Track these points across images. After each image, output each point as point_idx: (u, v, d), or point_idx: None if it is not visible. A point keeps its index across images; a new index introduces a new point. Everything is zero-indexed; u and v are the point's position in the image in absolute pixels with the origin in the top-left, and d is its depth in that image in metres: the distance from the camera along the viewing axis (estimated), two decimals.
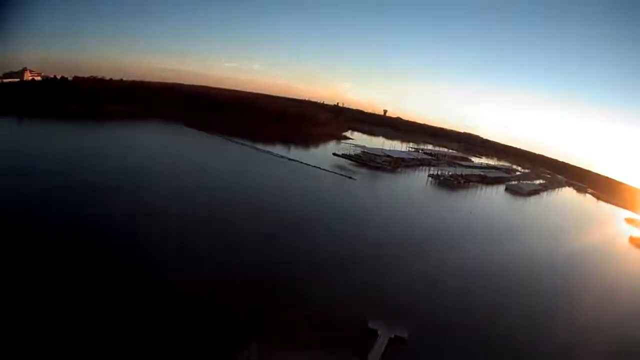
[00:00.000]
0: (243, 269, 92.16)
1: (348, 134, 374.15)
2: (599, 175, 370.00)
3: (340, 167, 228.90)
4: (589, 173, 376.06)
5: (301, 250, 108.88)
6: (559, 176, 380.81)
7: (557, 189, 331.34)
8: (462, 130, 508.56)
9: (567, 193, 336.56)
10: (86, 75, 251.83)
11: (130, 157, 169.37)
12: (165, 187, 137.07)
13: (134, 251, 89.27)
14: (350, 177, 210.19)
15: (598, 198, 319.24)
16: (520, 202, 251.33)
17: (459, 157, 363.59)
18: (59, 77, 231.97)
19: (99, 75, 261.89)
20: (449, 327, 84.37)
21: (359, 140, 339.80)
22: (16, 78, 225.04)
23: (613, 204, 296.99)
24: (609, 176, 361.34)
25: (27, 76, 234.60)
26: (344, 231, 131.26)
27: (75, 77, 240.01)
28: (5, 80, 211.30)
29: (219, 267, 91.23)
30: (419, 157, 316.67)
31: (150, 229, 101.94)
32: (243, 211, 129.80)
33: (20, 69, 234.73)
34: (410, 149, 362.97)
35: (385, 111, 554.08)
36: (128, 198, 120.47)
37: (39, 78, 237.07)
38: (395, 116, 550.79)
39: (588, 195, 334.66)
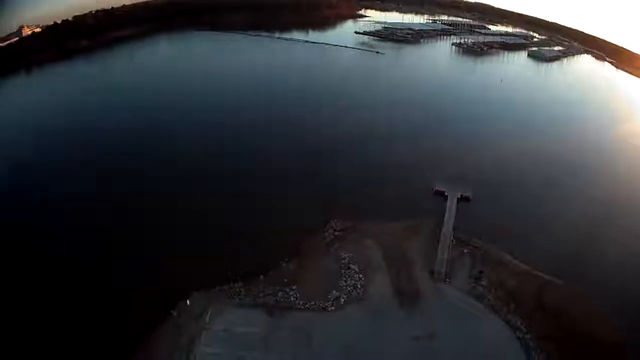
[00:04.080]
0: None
1: (362, 12, 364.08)
2: (615, 45, 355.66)
3: (366, 44, 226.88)
4: (605, 42, 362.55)
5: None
6: (576, 43, 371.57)
7: (575, 56, 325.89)
8: (472, 0, 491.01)
9: (586, 60, 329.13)
10: (85, 11, 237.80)
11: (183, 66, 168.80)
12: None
13: None
14: (378, 52, 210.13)
15: (616, 67, 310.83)
16: (544, 67, 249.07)
17: (477, 25, 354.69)
18: (58, 21, 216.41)
19: (99, 8, 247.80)
20: None
21: (374, 17, 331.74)
22: (15, 37, 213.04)
23: (631, 73, 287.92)
24: (626, 47, 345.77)
25: (26, 31, 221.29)
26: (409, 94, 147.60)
27: (75, 17, 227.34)
28: (4, 44, 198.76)
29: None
30: (439, 28, 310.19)
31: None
32: (323, 92, 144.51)
33: (17, 27, 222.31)
34: (428, 20, 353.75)
35: None
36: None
37: (38, 30, 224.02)
38: None
39: (606, 64, 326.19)
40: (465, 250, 68.99)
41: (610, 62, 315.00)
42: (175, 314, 54.12)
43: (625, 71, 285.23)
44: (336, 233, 69.50)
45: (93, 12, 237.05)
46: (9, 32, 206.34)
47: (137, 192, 77.51)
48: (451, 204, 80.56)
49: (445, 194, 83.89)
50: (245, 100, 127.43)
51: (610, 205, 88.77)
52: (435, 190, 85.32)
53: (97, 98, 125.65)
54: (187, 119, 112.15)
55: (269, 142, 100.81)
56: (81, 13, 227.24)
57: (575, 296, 61.24)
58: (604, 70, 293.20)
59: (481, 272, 64.08)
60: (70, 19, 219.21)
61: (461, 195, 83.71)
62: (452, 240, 70.22)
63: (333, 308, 56.17)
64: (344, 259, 63.68)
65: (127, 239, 65.09)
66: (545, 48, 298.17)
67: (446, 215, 76.65)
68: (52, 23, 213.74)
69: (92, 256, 61.51)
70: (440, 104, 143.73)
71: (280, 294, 57.60)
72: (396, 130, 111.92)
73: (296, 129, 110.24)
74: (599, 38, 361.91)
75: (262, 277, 60.07)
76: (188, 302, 55.38)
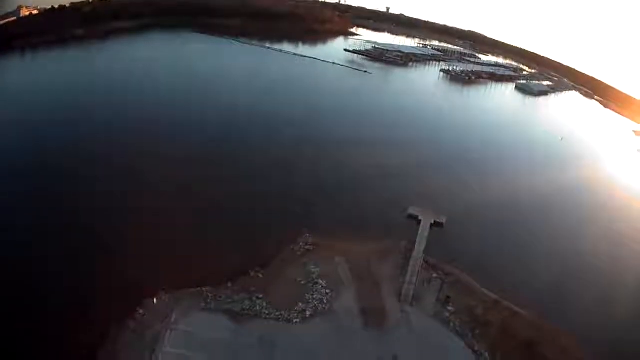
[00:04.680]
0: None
1: (354, 30, 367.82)
2: (604, 83, 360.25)
3: (354, 63, 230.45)
4: (595, 80, 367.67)
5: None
6: (565, 79, 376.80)
7: (564, 92, 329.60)
8: (466, 28, 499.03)
9: (574, 97, 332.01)
10: None
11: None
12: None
13: None
14: (366, 72, 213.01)
15: (605, 105, 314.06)
16: (531, 101, 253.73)
17: (467, 53, 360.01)
18: (56, 6, 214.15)
19: None
20: None
21: (365, 36, 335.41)
22: (12, 17, 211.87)
23: (619, 113, 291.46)
24: (615, 86, 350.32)
25: (24, 12, 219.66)
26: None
27: (73, 4, 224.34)
28: (1, 22, 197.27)
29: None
30: (429, 53, 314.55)
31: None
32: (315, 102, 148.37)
33: (16, 7, 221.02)
34: (419, 44, 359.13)
35: (388, 8, 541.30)
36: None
37: (36, 12, 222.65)
38: (398, 13, 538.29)
39: (594, 101, 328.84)
40: (435, 275, 69.33)
41: (599, 100, 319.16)
42: (141, 311, 53.60)
43: (612, 110, 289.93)
44: (307, 247, 69.69)
45: (90, 0, 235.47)
46: (7, 11, 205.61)
47: (109, 187, 76.43)
48: (424, 229, 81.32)
49: (419, 218, 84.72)
50: (224, 108, 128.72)
51: (587, 241, 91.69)
52: (409, 214, 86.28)
53: (70, 89, 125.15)
54: (160, 120, 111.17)
55: (247, 151, 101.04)
56: (79, 0, 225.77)
57: (545, 329, 61.85)
58: (590, 108, 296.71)
59: (448, 297, 64.53)
60: (67, 5, 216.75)
61: (434, 221, 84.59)
62: (422, 265, 70.48)
63: (298, 320, 55.99)
64: (313, 273, 63.74)
65: (96, 235, 64.26)
66: (534, 82, 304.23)
67: (418, 239, 77.22)
68: (49, 7, 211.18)
69: (62, 251, 60.45)
70: (423, 130, 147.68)
71: (247, 302, 57.24)
72: (375, 154, 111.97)
73: (272, 141, 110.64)
74: (588, 75, 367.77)
75: (230, 284, 59.55)
76: (155, 300, 55.02)
